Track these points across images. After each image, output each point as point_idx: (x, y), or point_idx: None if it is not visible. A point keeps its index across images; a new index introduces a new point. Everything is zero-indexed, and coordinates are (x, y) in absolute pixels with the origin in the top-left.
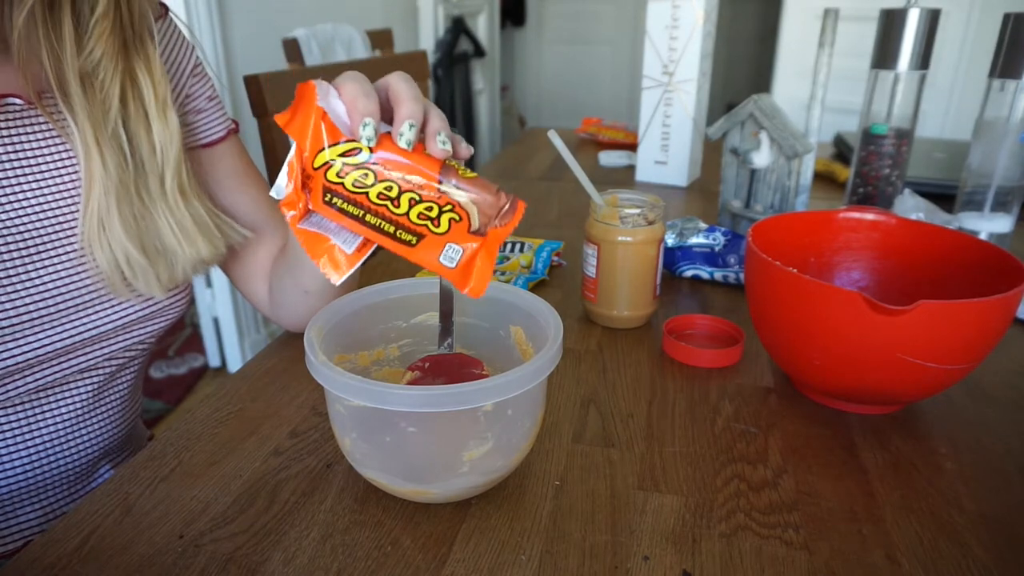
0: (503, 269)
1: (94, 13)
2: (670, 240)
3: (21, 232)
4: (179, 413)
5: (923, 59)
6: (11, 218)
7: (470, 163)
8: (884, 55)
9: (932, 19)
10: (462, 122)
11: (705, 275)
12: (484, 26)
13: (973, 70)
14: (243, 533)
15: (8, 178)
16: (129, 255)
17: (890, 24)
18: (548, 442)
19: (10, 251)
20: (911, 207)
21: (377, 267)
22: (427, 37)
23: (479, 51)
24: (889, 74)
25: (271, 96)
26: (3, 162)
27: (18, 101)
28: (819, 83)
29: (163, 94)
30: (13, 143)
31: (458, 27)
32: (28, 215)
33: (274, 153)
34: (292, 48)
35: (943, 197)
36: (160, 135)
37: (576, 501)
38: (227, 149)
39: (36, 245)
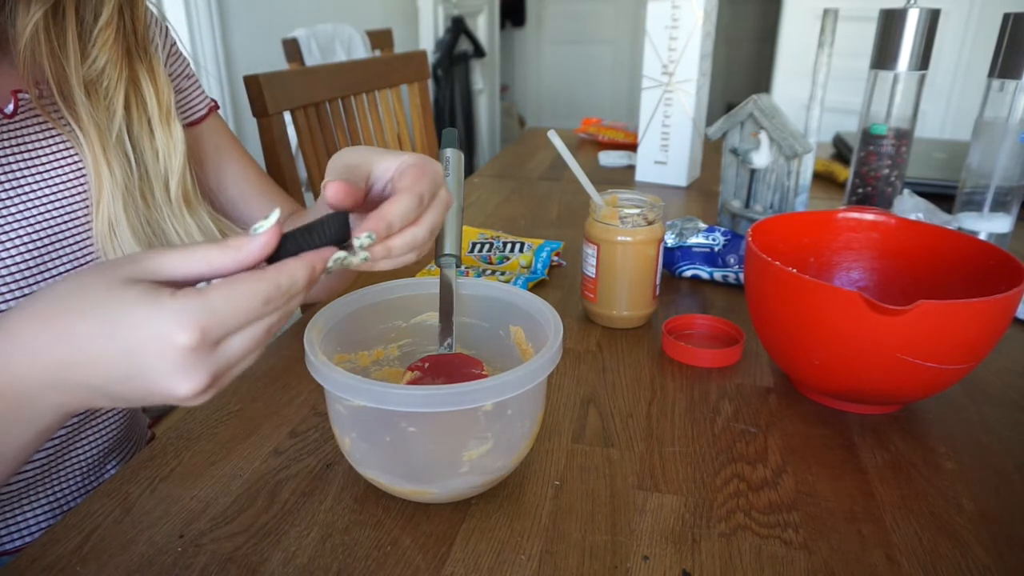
0: (503, 269)
1: (97, 21)
2: (670, 240)
3: (34, 226)
4: (179, 413)
5: (923, 59)
6: (22, 212)
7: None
8: (884, 55)
9: (932, 19)
10: (462, 122)
11: (705, 275)
12: (484, 26)
13: (973, 70)
14: (243, 533)
15: (15, 173)
16: None
17: (890, 24)
18: (548, 442)
19: (28, 246)
20: (910, 207)
21: None
22: (427, 37)
23: (479, 51)
24: (888, 74)
25: (271, 96)
26: (11, 157)
27: (26, 96)
28: (819, 83)
29: (166, 102)
30: (21, 139)
31: (458, 27)
32: (38, 208)
33: (274, 153)
34: (292, 48)
35: (943, 197)
36: (163, 143)
37: (576, 501)
38: (210, 127)
39: (49, 240)
